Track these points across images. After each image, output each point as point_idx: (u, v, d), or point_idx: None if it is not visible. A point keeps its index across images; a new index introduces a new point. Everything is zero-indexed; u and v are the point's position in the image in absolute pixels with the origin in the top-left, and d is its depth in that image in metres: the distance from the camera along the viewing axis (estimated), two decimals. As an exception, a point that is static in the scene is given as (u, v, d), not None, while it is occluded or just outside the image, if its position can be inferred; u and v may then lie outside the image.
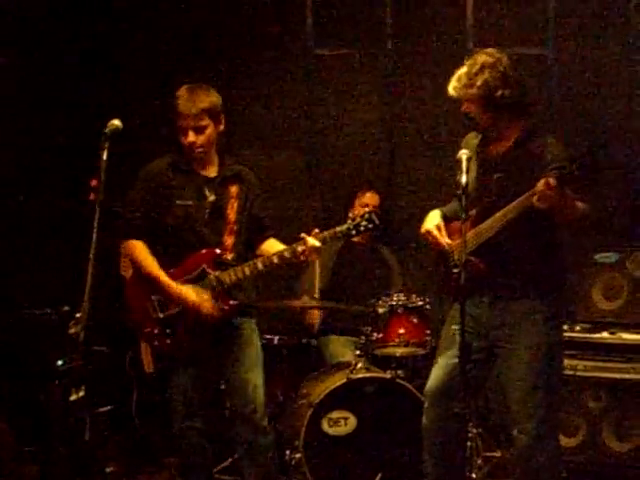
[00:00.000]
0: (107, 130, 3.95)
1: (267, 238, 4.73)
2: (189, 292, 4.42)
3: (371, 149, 6.77)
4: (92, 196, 3.87)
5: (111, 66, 6.77)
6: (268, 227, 4.76)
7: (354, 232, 4.43)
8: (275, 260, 4.43)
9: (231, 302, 4.50)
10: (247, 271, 4.43)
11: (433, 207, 4.42)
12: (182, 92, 4.49)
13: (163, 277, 4.44)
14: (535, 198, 3.74)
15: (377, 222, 4.40)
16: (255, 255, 4.62)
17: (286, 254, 4.42)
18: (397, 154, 6.75)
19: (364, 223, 4.40)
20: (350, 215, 4.44)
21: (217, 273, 4.44)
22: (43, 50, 6.36)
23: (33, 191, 6.24)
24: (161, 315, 4.47)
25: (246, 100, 6.53)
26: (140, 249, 4.51)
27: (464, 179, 3.84)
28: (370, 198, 6.08)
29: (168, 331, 4.46)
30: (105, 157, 3.89)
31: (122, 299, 4.68)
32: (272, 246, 4.66)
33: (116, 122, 3.97)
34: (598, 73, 6.26)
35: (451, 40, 6.52)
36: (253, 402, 4.53)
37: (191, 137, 4.46)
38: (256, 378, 4.58)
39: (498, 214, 3.98)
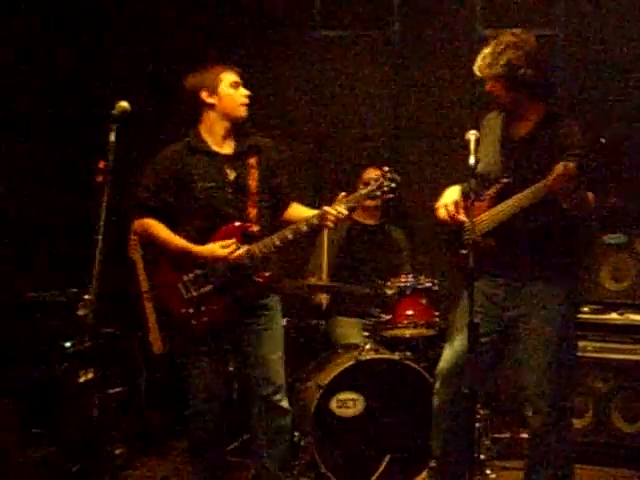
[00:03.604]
0: (115, 112, 3.94)
1: (289, 204, 4.71)
2: (214, 247, 4.38)
3: (378, 131, 6.75)
4: (100, 178, 3.86)
5: (120, 48, 6.75)
6: (289, 194, 4.73)
7: (379, 193, 4.36)
8: (303, 228, 4.38)
9: (265, 274, 4.46)
10: (277, 241, 4.39)
11: (439, 188, 4.40)
12: (211, 64, 4.55)
13: (184, 244, 4.41)
14: (551, 179, 3.73)
15: (398, 179, 4.36)
16: (280, 223, 4.58)
17: (314, 221, 4.38)
18: (404, 136, 6.73)
19: (387, 183, 4.34)
20: (374, 177, 4.39)
21: (247, 247, 4.42)
22: (52, 30, 6.35)
23: (41, 172, 6.24)
24: (195, 294, 4.44)
25: (252, 82, 6.53)
26: (156, 225, 4.48)
27: (472, 160, 3.83)
28: (373, 174, 5.99)
29: (203, 309, 4.43)
30: (113, 139, 3.88)
31: (130, 281, 4.68)
32: (297, 210, 4.65)
33: (124, 104, 3.96)
34: (609, 54, 6.23)
35: (459, 21, 6.49)
36: (274, 383, 4.51)
37: (247, 90, 4.55)
38: (278, 359, 4.56)
39: (514, 199, 3.96)
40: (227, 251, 4.37)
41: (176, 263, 4.47)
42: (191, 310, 4.44)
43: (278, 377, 4.54)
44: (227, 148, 4.57)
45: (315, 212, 4.43)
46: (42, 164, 6.26)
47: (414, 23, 6.63)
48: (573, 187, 3.70)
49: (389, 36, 6.69)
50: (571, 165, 3.65)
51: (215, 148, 4.54)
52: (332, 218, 4.34)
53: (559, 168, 3.69)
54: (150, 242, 4.56)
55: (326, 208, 4.36)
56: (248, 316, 4.54)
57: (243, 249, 4.40)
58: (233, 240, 4.39)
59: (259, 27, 6.75)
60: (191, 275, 4.44)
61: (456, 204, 4.23)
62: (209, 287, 4.43)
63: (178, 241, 4.43)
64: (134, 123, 4.14)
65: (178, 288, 4.46)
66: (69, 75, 6.52)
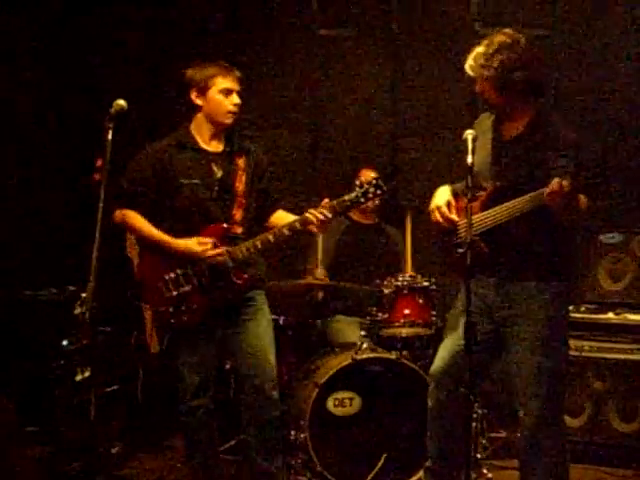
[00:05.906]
0: (112, 110, 3.94)
1: (275, 210, 4.72)
2: (189, 243, 4.41)
3: (374, 129, 6.75)
4: (97, 176, 3.87)
5: (116, 46, 6.75)
6: (276, 200, 4.75)
7: (363, 199, 4.34)
8: (286, 232, 4.39)
9: (245, 276, 4.47)
10: (258, 244, 4.40)
11: (437, 187, 4.40)
12: (211, 63, 4.53)
13: (162, 236, 4.45)
14: (547, 197, 3.71)
15: (385, 188, 4.34)
16: (265, 228, 4.60)
17: (297, 225, 4.38)
18: (400, 134, 6.73)
19: (372, 189, 4.32)
20: (357, 183, 4.38)
21: (228, 248, 4.43)
22: (47, 30, 6.35)
23: (38, 171, 6.23)
24: (175, 293, 4.46)
25: (250, 80, 6.54)
26: (135, 217, 4.50)
27: (469, 159, 3.82)
28: (368, 175, 5.98)
29: (183, 308, 4.45)
30: (110, 137, 3.88)
31: (128, 279, 4.68)
32: (282, 217, 4.65)
33: (121, 102, 3.96)
34: (604, 53, 6.23)
35: (456, 21, 6.50)
36: (264, 374, 4.52)
37: (239, 99, 4.52)
38: (267, 349, 4.57)
39: (509, 204, 3.93)
40: (203, 248, 4.40)
41: (157, 261, 4.49)
42: (171, 309, 4.46)
43: (267, 367, 4.54)
44: (215, 146, 4.59)
45: (297, 218, 4.44)
46: (40, 161, 6.26)
47: (412, 22, 6.63)
48: (567, 202, 3.69)
49: (386, 35, 6.69)
50: (565, 182, 3.64)
51: (203, 145, 4.56)
52: (315, 222, 4.35)
53: (554, 185, 3.68)
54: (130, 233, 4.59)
55: (309, 212, 4.37)
56: (232, 312, 4.55)
57: (222, 249, 4.42)
58: (212, 239, 4.41)
59: (259, 25, 6.75)
60: (172, 274, 4.46)
61: (449, 205, 4.22)
62: (188, 287, 4.45)
63: (156, 234, 4.47)
64: (132, 121, 4.15)
65: (159, 286, 4.48)
66: (68, 73, 6.51)
